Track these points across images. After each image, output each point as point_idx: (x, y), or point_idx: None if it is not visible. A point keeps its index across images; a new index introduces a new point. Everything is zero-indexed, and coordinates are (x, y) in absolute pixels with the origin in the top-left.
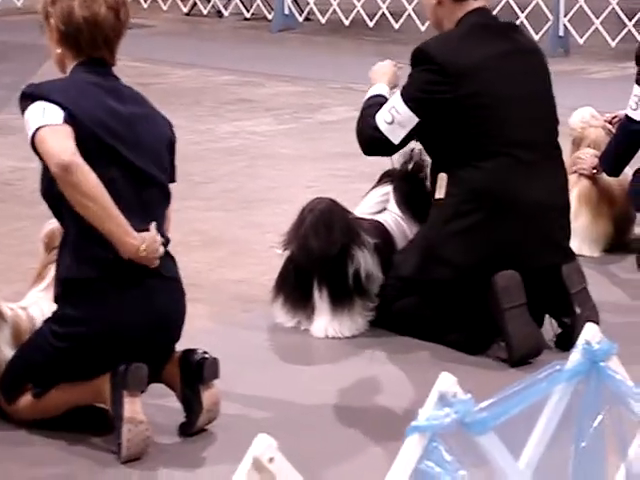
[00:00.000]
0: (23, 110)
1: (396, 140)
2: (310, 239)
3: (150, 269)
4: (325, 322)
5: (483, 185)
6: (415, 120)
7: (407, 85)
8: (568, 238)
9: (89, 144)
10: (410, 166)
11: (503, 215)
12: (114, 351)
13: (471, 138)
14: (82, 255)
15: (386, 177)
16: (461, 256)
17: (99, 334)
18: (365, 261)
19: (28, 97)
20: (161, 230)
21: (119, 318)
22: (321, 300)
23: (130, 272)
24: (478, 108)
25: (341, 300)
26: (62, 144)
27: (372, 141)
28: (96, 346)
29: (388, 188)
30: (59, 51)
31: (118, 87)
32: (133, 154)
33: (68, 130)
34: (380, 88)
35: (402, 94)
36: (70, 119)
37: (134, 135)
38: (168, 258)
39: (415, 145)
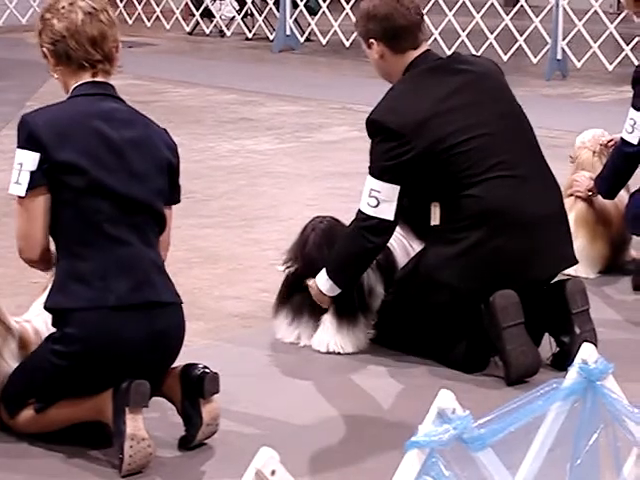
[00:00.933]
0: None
1: (390, 216)
2: (314, 256)
3: (148, 299)
4: (328, 337)
5: (476, 208)
6: (397, 189)
7: (372, 161)
8: (568, 243)
9: (73, 180)
10: None
11: (499, 233)
12: (114, 369)
13: (453, 176)
14: (73, 287)
15: None
16: (460, 280)
17: (99, 353)
18: (368, 277)
19: (19, 136)
20: (155, 252)
21: (118, 336)
22: (327, 316)
23: (127, 302)
24: (446, 151)
25: (345, 316)
26: (30, 235)
27: (371, 231)
28: (96, 364)
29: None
30: (57, 76)
31: (113, 112)
32: (122, 183)
33: (36, 204)
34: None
35: (372, 174)
36: (48, 164)
37: (125, 163)
38: (165, 283)
39: None
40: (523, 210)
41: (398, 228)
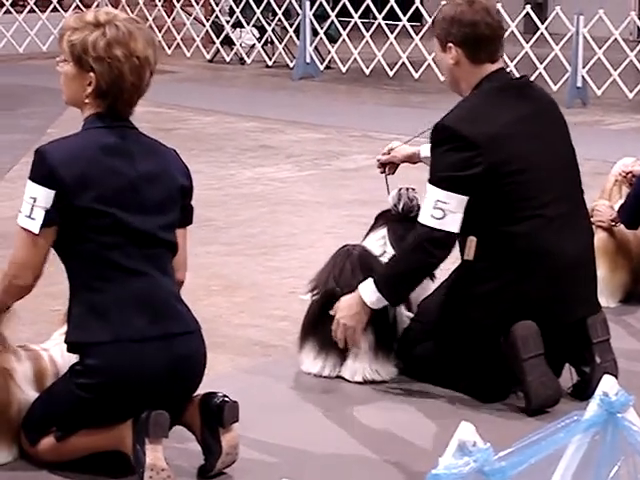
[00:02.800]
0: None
1: (456, 228)
2: (354, 280)
3: (167, 330)
4: (365, 365)
5: (514, 248)
6: (465, 199)
7: (439, 171)
8: (596, 290)
9: (92, 221)
10: (400, 206)
11: (532, 276)
12: (137, 399)
13: (503, 205)
14: (92, 321)
15: (380, 220)
16: (485, 317)
17: (121, 384)
18: (400, 306)
19: (34, 168)
20: (172, 281)
21: (140, 368)
22: (364, 344)
23: (146, 334)
24: (509, 175)
25: (383, 343)
26: (33, 266)
27: (435, 244)
28: (119, 395)
29: (384, 231)
30: (87, 101)
31: (130, 145)
32: (139, 219)
33: (46, 241)
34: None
35: (438, 184)
36: (64, 204)
37: (141, 199)
38: (183, 311)
39: (403, 185)
40: (557, 255)
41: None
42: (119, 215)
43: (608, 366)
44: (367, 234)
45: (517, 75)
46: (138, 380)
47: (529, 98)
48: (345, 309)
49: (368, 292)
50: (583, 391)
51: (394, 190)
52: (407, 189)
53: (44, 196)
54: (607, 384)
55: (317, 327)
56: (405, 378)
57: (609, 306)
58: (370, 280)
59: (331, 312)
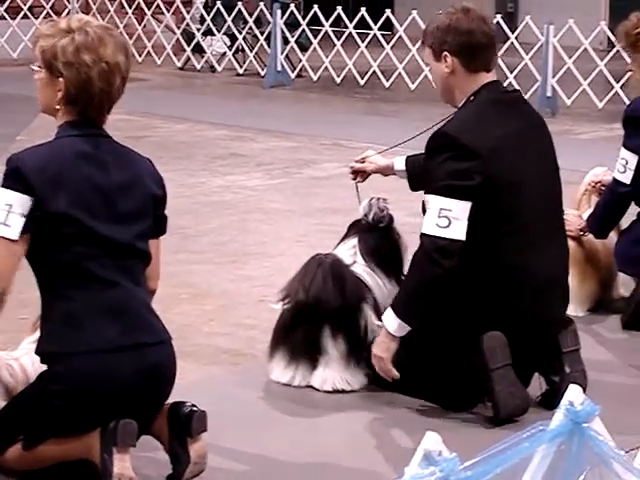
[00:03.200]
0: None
1: (462, 236)
2: (324, 291)
3: (138, 340)
4: (335, 374)
5: (491, 262)
6: (468, 206)
7: (439, 180)
8: (565, 307)
9: (65, 228)
10: (371, 217)
11: (506, 290)
12: (106, 408)
13: (491, 218)
14: (64, 331)
15: (352, 230)
16: (457, 329)
17: (91, 392)
18: (370, 315)
19: (7, 176)
20: (144, 291)
21: (110, 377)
22: (335, 352)
23: (117, 344)
24: (503, 188)
25: (354, 353)
26: (6, 273)
27: (443, 253)
28: (88, 403)
29: (354, 241)
30: (59, 108)
31: (103, 154)
32: (111, 229)
33: (21, 248)
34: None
35: (440, 192)
36: (39, 212)
37: (114, 208)
38: (155, 321)
39: (374, 195)
40: (534, 272)
41: (365, 265)
42: (93, 224)
43: (577, 376)
44: (338, 244)
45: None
46: (108, 389)
47: (522, 113)
48: (377, 342)
49: (389, 321)
50: (552, 400)
51: (365, 200)
52: (378, 199)
53: (20, 203)
54: (573, 394)
55: (288, 337)
56: (375, 387)
57: (577, 315)
58: (389, 308)
59: (373, 351)
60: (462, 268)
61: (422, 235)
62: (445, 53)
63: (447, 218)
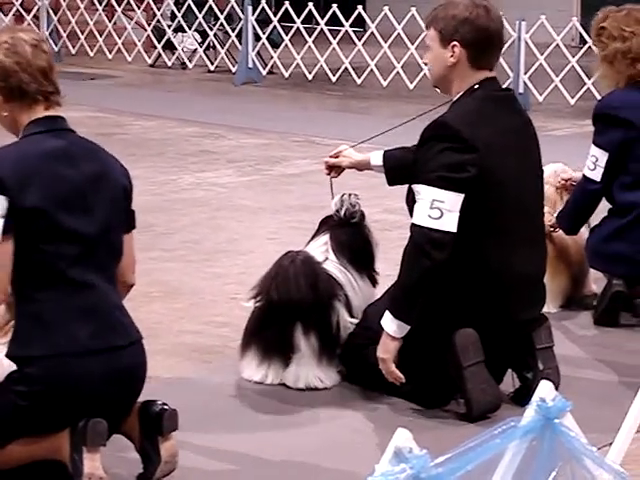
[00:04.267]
0: None
1: (454, 228)
2: (296, 289)
3: (110, 343)
4: (308, 372)
5: (468, 260)
6: (461, 197)
7: (433, 170)
8: (540, 305)
9: (34, 224)
10: (342, 212)
11: (481, 288)
12: (76, 408)
13: (477, 216)
14: (35, 334)
15: (323, 226)
16: (430, 325)
17: (60, 393)
18: (342, 312)
19: None
20: (116, 290)
21: (80, 379)
22: (307, 349)
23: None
24: (493, 185)
25: (326, 350)
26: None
27: (434, 245)
28: (57, 404)
29: (326, 237)
30: (6, 114)
31: (70, 148)
32: (83, 224)
33: (6, 249)
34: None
35: (434, 183)
36: (13, 210)
37: (85, 202)
38: (126, 322)
39: (346, 191)
40: (511, 271)
41: (337, 262)
42: (62, 218)
43: (550, 373)
44: (310, 240)
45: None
46: (78, 390)
47: (516, 112)
48: (379, 344)
49: (388, 323)
50: (524, 397)
51: (337, 196)
52: (350, 195)
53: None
54: (544, 390)
55: (259, 335)
56: (347, 385)
57: (550, 311)
58: (386, 311)
59: (378, 355)
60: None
61: (412, 225)
62: (455, 43)
63: (439, 210)
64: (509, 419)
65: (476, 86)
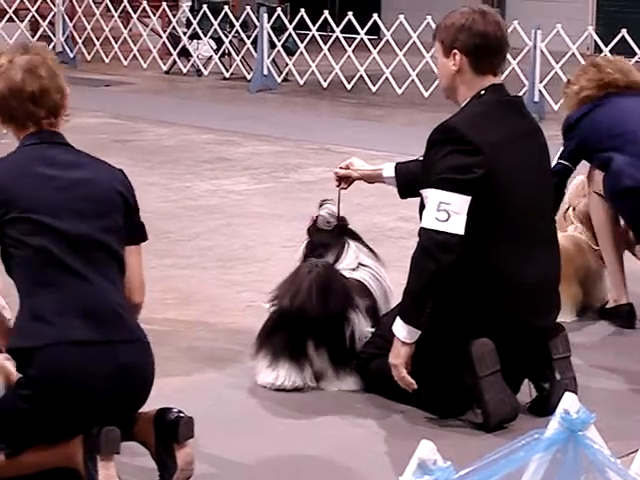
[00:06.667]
0: None
1: (461, 230)
2: (309, 301)
3: (110, 337)
4: (327, 385)
5: (481, 265)
6: (468, 199)
7: (439, 172)
8: (557, 314)
9: (19, 221)
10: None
11: (495, 294)
12: (79, 408)
13: (486, 221)
14: (33, 326)
15: (340, 235)
16: (446, 333)
17: (63, 391)
18: (359, 322)
19: None
20: (117, 290)
21: (82, 373)
22: (320, 364)
23: (88, 338)
24: (500, 190)
25: (339, 364)
26: None
27: (442, 248)
28: (62, 404)
29: (353, 245)
30: (5, 132)
31: (58, 156)
32: (69, 222)
33: None
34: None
35: (440, 186)
36: (3, 205)
37: (71, 202)
38: (128, 320)
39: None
40: (525, 277)
41: (373, 264)
42: (44, 216)
43: (568, 383)
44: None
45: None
46: (80, 387)
47: (525, 117)
48: (391, 350)
49: (399, 329)
50: (542, 407)
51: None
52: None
53: None
54: (568, 402)
55: (271, 339)
56: (365, 393)
57: (565, 321)
58: (397, 318)
59: (391, 362)
60: (452, 280)
61: (421, 229)
62: (455, 51)
63: (446, 212)
64: (533, 431)
65: (482, 92)
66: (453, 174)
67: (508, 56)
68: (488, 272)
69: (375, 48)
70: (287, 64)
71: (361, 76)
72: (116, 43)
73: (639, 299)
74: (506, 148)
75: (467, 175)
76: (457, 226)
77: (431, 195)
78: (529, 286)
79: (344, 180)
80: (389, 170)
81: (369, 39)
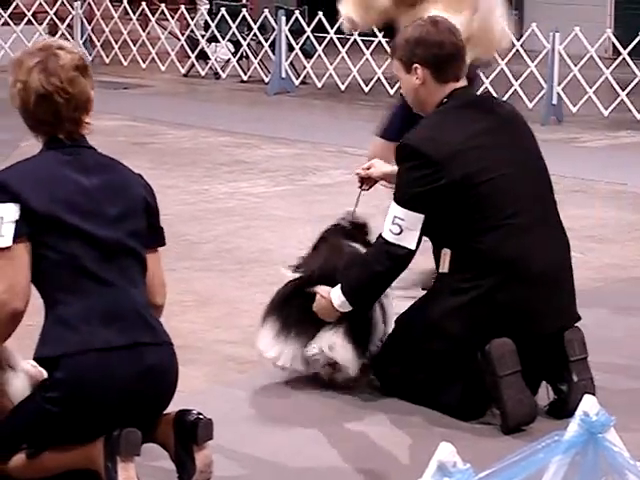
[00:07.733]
0: None
1: (412, 245)
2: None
3: (135, 340)
4: (330, 340)
5: (486, 258)
6: (421, 218)
7: (399, 187)
8: (573, 299)
9: (49, 225)
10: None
11: (507, 285)
12: (105, 411)
13: (470, 217)
14: (59, 333)
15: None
16: (463, 331)
17: (90, 395)
18: (376, 314)
19: None
20: (141, 293)
21: (108, 377)
22: (335, 339)
23: (114, 344)
24: (473, 188)
25: (356, 341)
26: (16, 284)
27: (390, 257)
28: (88, 407)
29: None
30: (36, 138)
31: (85, 160)
32: (98, 227)
33: (21, 252)
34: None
35: (397, 201)
36: (25, 213)
37: (99, 207)
38: (153, 323)
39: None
40: (526, 263)
41: None
42: (74, 221)
43: (585, 385)
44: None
45: (492, 92)
46: (106, 391)
47: (492, 111)
48: (319, 304)
49: (336, 295)
50: (560, 409)
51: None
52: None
53: (9, 211)
54: (587, 404)
55: (286, 304)
56: (380, 395)
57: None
58: (339, 284)
59: (309, 290)
60: (457, 269)
61: (379, 236)
62: (416, 65)
63: (399, 227)
64: (553, 433)
65: (445, 100)
66: (410, 189)
67: (526, 59)
68: (496, 264)
69: None
70: (305, 67)
71: (379, 79)
72: (134, 46)
73: None
74: (469, 149)
75: (424, 187)
76: (409, 241)
77: (391, 208)
78: (539, 272)
79: (366, 181)
80: None
81: (387, 42)
